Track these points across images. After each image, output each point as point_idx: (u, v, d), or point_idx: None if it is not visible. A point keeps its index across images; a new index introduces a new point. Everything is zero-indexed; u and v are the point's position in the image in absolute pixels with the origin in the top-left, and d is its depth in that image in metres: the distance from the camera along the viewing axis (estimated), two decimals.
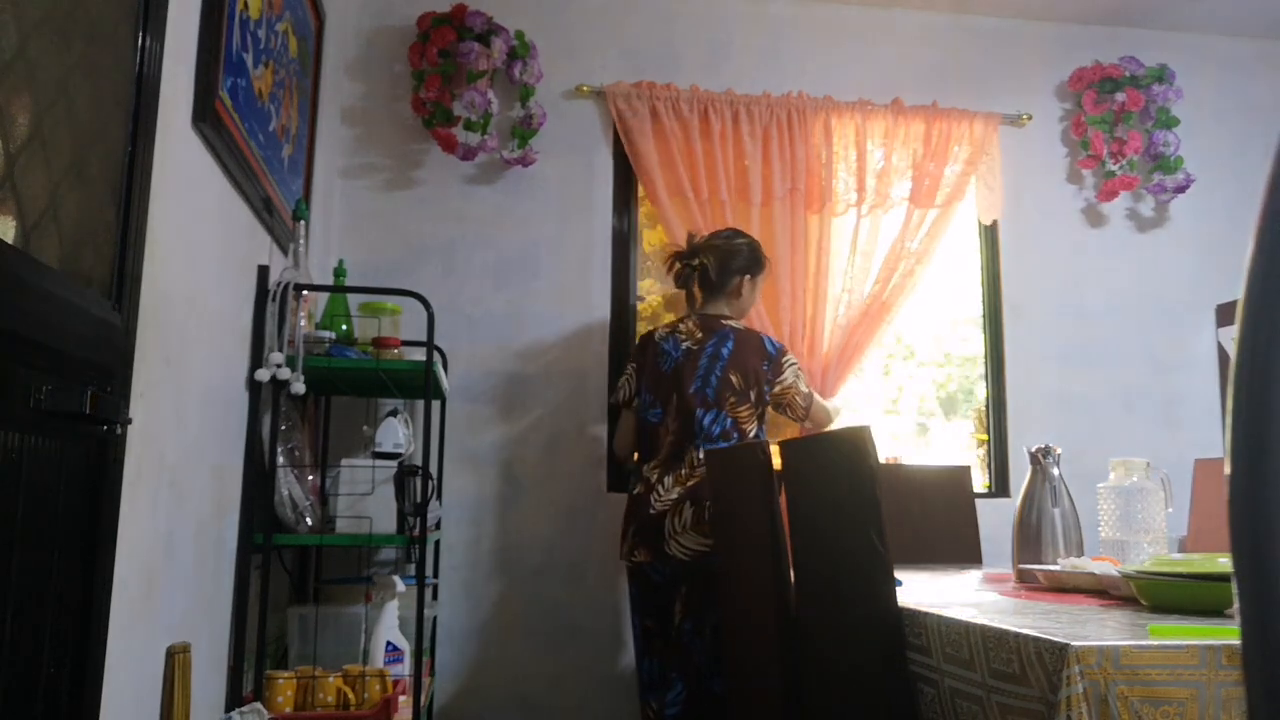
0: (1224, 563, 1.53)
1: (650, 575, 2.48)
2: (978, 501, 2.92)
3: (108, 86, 1.29)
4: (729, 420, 2.49)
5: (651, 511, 2.43)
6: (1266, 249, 0.41)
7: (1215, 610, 1.45)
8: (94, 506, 1.26)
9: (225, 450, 1.93)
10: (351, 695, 2.07)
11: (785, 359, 2.58)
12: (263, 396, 2.08)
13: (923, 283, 3.32)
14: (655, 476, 2.50)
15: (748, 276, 2.66)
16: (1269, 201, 0.41)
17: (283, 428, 2.15)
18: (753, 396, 2.51)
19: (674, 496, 2.42)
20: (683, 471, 2.46)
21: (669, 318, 3.42)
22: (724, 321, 2.60)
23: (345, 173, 3.14)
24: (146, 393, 1.45)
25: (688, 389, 2.51)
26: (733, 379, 2.50)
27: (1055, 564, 1.99)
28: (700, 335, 2.57)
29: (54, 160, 1.15)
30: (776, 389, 2.55)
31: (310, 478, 2.28)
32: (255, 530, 2.05)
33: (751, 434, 2.50)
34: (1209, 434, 3.41)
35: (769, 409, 2.61)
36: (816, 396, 2.66)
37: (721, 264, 2.63)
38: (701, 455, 2.40)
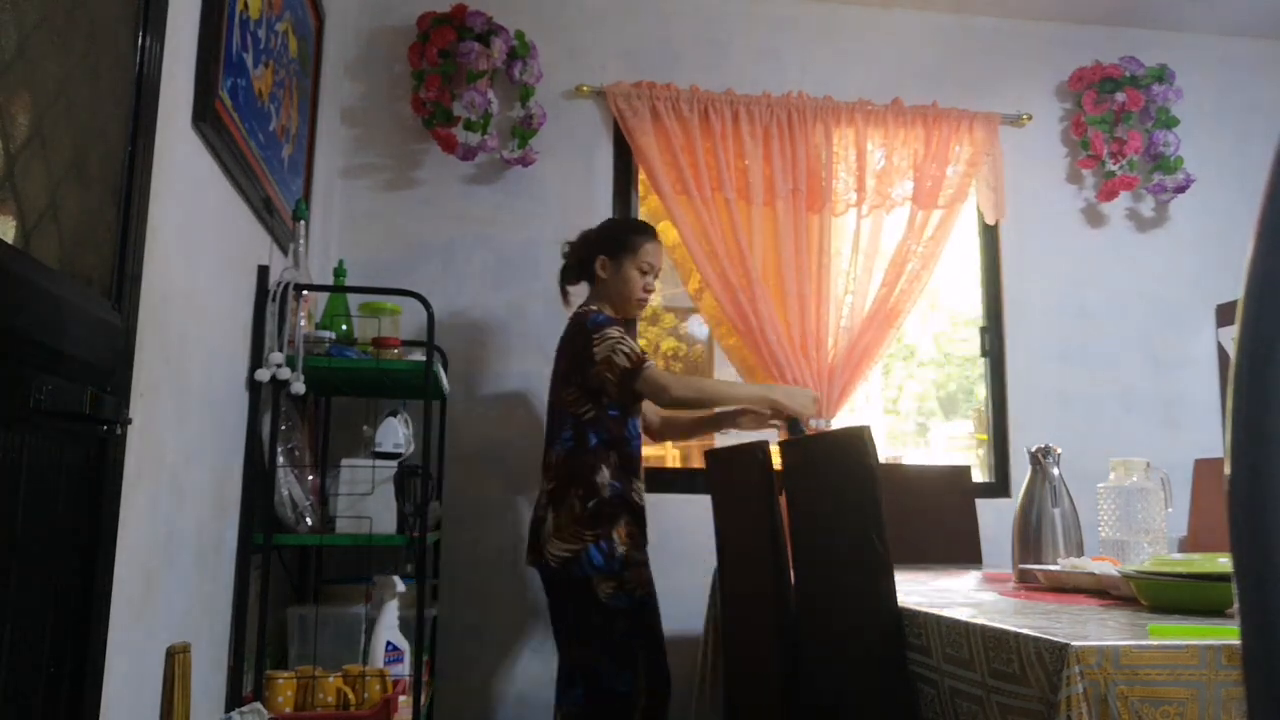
0: (1224, 563, 1.53)
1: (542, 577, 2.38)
2: (978, 501, 2.92)
3: (108, 86, 1.29)
4: (557, 409, 2.38)
5: (535, 517, 2.35)
6: (1266, 249, 0.41)
7: (1215, 610, 1.45)
8: (94, 506, 1.26)
9: (225, 450, 1.93)
10: (351, 695, 2.07)
11: (599, 334, 2.28)
12: (263, 396, 2.08)
13: (929, 286, 3.32)
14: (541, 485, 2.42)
15: (603, 257, 2.44)
16: (1269, 201, 0.41)
17: (283, 428, 2.15)
18: (573, 380, 2.33)
19: (543, 501, 2.33)
20: (549, 475, 2.35)
21: (669, 318, 3.42)
22: (578, 310, 2.44)
23: (345, 173, 3.14)
24: (146, 393, 1.45)
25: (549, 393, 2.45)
26: (561, 366, 2.38)
27: (1055, 564, 1.99)
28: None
29: (54, 160, 1.15)
30: (592, 368, 2.28)
31: (310, 478, 2.28)
32: (255, 530, 2.05)
33: (588, 414, 2.30)
34: (1209, 434, 3.41)
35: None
36: (649, 369, 2.27)
37: (574, 250, 2.53)
38: (552, 457, 2.34)
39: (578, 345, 2.31)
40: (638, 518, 2.29)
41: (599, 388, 2.28)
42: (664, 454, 4.01)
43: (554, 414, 2.39)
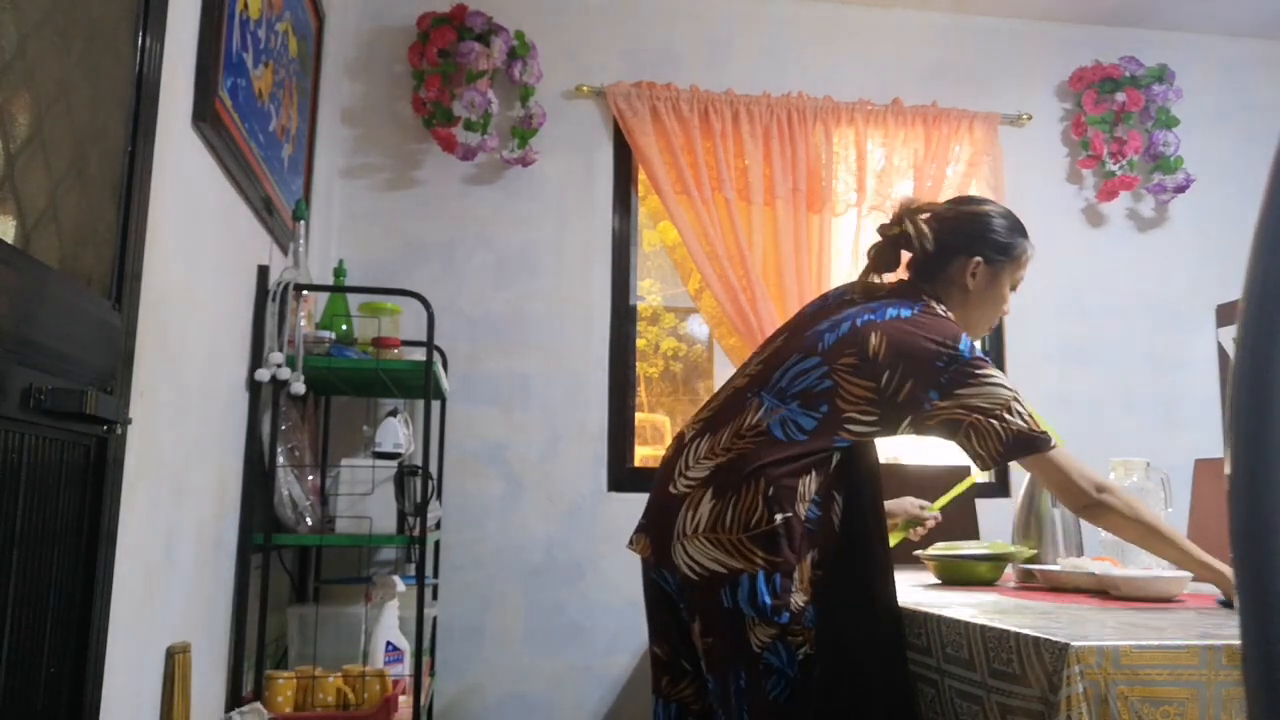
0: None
1: (655, 579, 1.61)
2: (978, 501, 2.92)
3: (108, 86, 1.29)
4: (827, 382, 1.54)
5: (672, 490, 1.55)
6: (1266, 249, 0.41)
7: (986, 582, 1.99)
8: (94, 506, 1.26)
9: (225, 450, 1.93)
10: (351, 695, 2.06)
11: (985, 372, 1.56)
12: (263, 396, 2.08)
13: None
14: (691, 434, 1.61)
15: (976, 260, 1.69)
16: (1269, 201, 0.41)
17: (283, 428, 2.15)
18: (887, 381, 1.53)
19: (700, 475, 1.53)
20: (723, 436, 1.55)
21: (669, 318, 3.42)
22: (924, 295, 1.68)
23: (345, 173, 3.14)
24: (146, 393, 1.45)
25: (806, 330, 1.65)
26: (872, 340, 1.55)
27: (1055, 564, 1.99)
28: (882, 295, 1.69)
29: (54, 160, 1.15)
30: (949, 403, 1.53)
31: (310, 478, 2.28)
32: (255, 530, 2.05)
33: (847, 417, 1.52)
34: (1209, 434, 3.41)
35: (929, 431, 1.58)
36: (1059, 450, 1.57)
37: (935, 232, 1.70)
38: (759, 419, 1.53)
39: (924, 349, 1.54)
40: (828, 557, 1.52)
41: (920, 423, 1.56)
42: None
43: (804, 359, 1.58)
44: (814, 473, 1.51)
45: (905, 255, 1.76)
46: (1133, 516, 1.53)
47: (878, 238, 1.76)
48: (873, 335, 1.56)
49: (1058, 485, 1.57)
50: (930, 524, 2.12)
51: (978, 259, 1.70)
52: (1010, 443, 1.51)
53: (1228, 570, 1.50)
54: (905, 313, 1.60)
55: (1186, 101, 3.55)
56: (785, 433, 1.52)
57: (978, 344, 1.60)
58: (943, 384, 1.52)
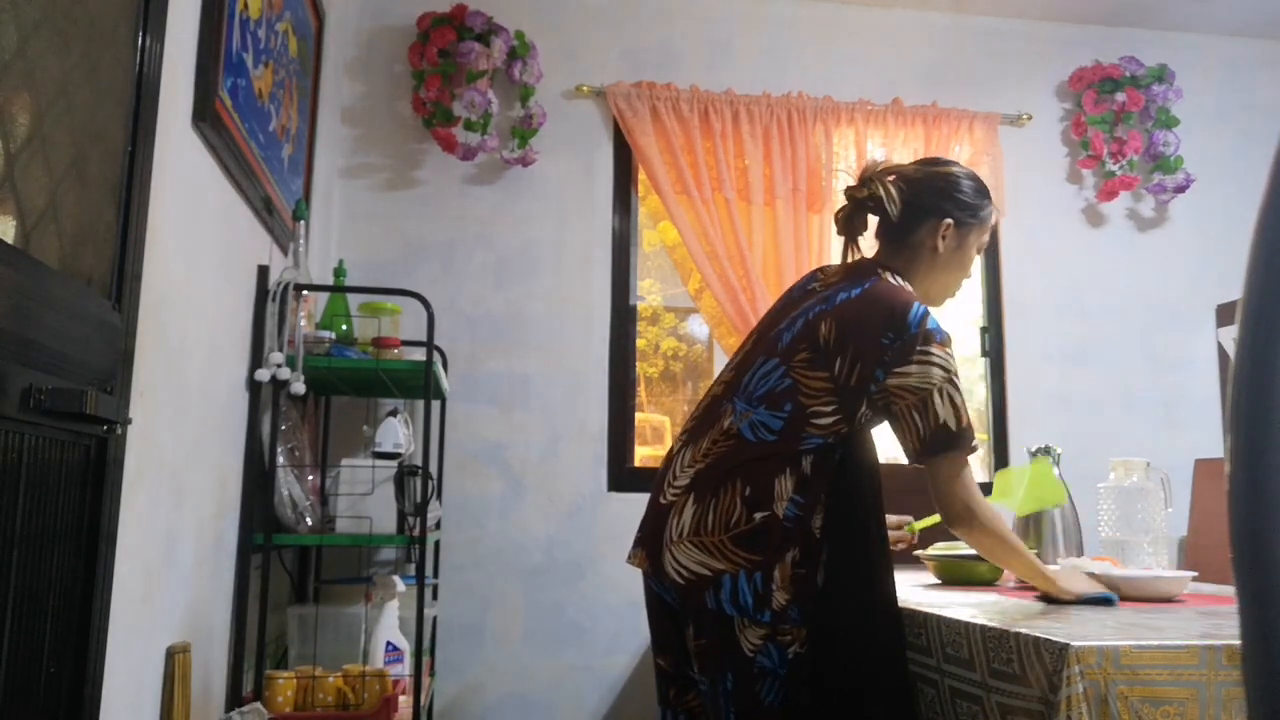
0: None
1: (656, 591, 1.62)
2: None
3: (108, 86, 1.29)
4: (786, 381, 1.55)
5: (661, 500, 1.60)
6: (1266, 249, 0.41)
7: (986, 582, 1.97)
8: (94, 506, 1.26)
9: (225, 450, 1.93)
10: (351, 695, 2.06)
11: (926, 349, 1.51)
12: (263, 396, 2.08)
13: None
14: (678, 446, 1.66)
15: (947, 222, 1.69)
16: (1269, 201, 0.41)
17: (283, 428, 2.15)
18: (839, 369, 1.53)
19: (683, 483, 1.57)
20: (702, 444, 1.59)
21: (669, 318, 3.41)
22: (880, 269, 1.65)
23: (345, 173, 3.14)
24: (146, 393, 1.45)
25: (769, 332, 1.66)
26: (822, 329, 1.56)
27: (1055, 564, 1.99)
28: (836, 280, 1.67)
29: (54, 160, 1.15)
30: (891, 382, 1.51)
31: (310, 478, 2.28)
32: (255, 530, 2.05)
33: (811, 412, 1.52)
34: (1209, 434, 3.41)
35: (880, 416, 1.58)
36: (969, 464, 1.57)
37: (904, 194, 1.68)
38: (731, 423, 1.57)
39: (872, 326, 1.53)
40: (812, 556, 1.51)
41: (891, 415, 1.55)
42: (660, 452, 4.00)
43: (766, 361, 1.60)
44: (788, 472, 1.51)
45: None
46: (997, 534, 1.57)
47: (848, 201, 1.73)
48: (822, 324, 1.57)
49: (947, 484, 1.55)
50: (903, 545, 1.98)
51: (948, 221, 1.70)
52: (931, 439, 1.51)
53: (1061, 581, 1.62)
54: (855, 292, 1.60)
55: (1186, 101, 3.55)
56: (755, 435, 1.54)
57: (935, 315, 1.56)
58: (886, 361, 1.52)
